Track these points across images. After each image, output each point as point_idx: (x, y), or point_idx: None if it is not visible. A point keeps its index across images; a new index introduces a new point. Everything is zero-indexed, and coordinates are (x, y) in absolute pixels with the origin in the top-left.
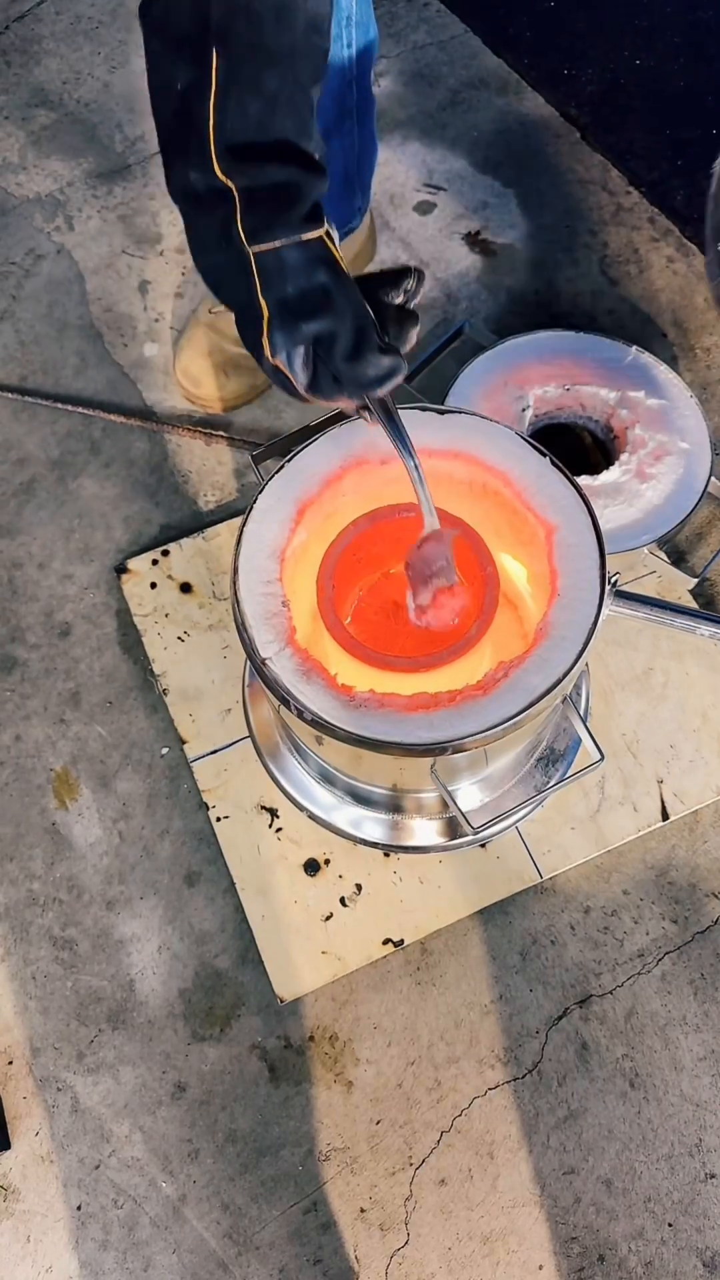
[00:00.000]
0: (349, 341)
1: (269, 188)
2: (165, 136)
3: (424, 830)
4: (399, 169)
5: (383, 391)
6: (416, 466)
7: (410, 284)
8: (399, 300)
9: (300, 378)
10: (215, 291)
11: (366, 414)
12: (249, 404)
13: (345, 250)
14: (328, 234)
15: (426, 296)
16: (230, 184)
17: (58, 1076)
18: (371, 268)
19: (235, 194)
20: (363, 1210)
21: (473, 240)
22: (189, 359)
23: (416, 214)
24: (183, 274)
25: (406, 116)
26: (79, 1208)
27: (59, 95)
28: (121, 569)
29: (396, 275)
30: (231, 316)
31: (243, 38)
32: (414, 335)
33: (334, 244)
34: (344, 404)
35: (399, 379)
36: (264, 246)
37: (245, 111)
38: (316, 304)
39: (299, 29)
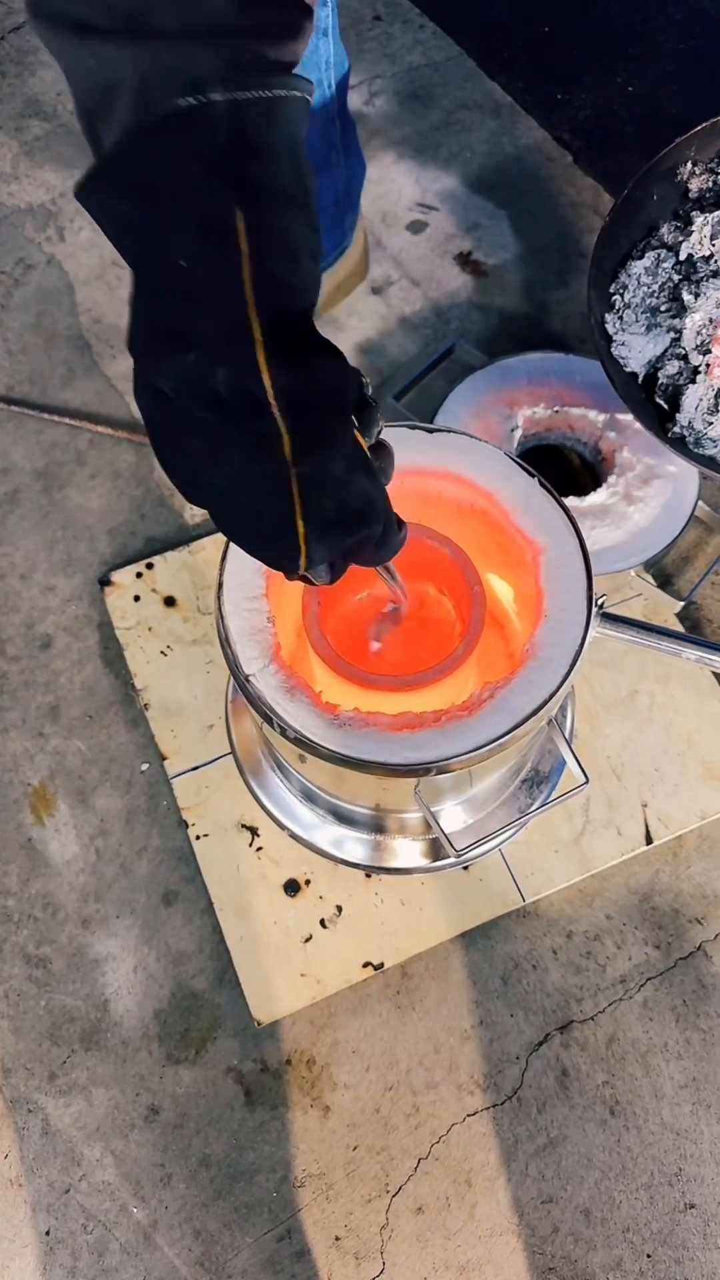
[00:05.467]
0: (379, 536)
1: (322, 392)
2: (158, 326)
3: (406, 851)
4: (392, 188)
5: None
6: (405, 595)
7: (381, 424)
8: (371, 441)
9: (325, 579)
10: (211, 507)
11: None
12: None
13: (339, 269)
14: (354, 422)
15: (417, 315)
16: (269, 384)
17: (29, 1098)
18: (360, 289)
19: (274, 399)
20: (338, 1238)
21: (464, 260)
22: None
23: (409, 233)
24: None
25: (401, 136)
26: (47, 1233)
27: (53, 106)
28: (105, 581)
29: (365, 417)
30: None
31: (264, 186)
32: (392, 471)
33: (362, 436)
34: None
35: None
36: (311, 464)
37: (277, 278)
38: (356, 513)
39: (305, 167)
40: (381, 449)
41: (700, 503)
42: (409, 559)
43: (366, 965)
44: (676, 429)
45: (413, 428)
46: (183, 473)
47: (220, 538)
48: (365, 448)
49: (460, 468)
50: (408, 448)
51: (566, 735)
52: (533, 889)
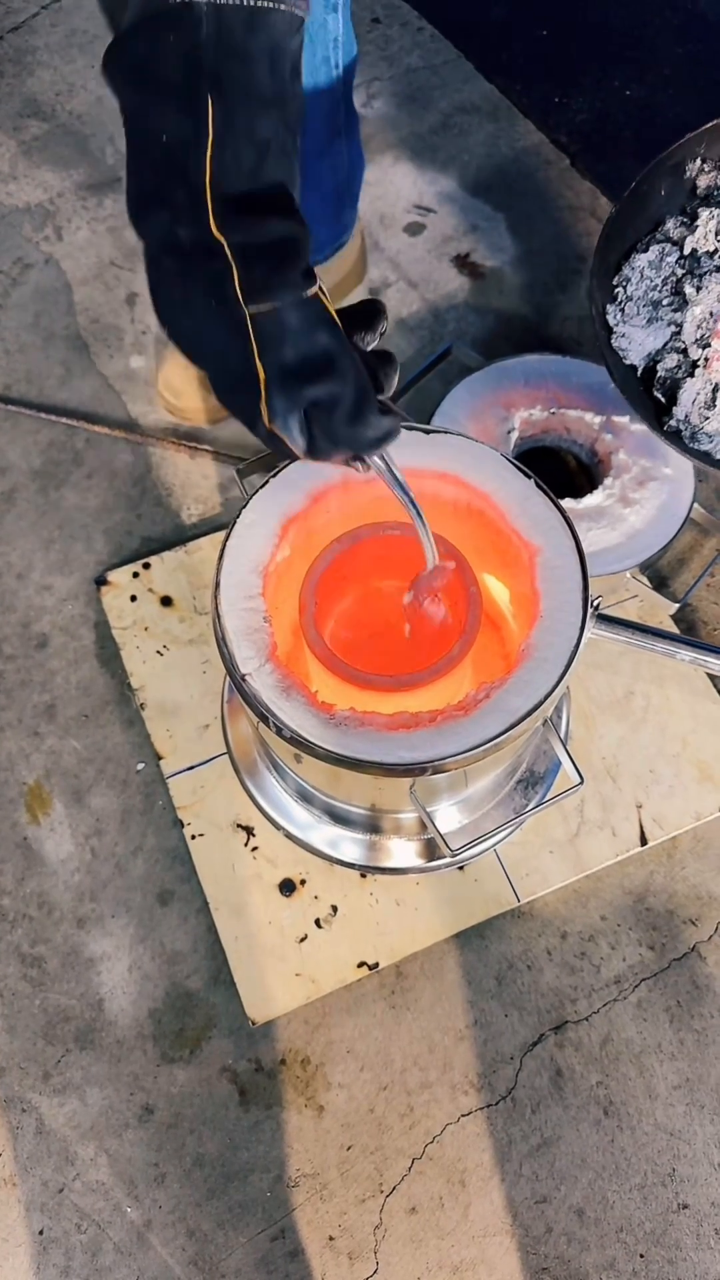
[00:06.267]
0: (350, 404)
1: (268, 244)
2: (143, 188)
3: (402, 851)
4: (390, 190)
5: (382, 449)
6: (419, 514)
7: (383, 325)
8: (373, 344)
9: (299, 442)
10: (191, 354)
11: (359, 465)
12: (231, 418)
13: (336, 268)
14: (322, 290)
15: (415, 316)
16: (223, 239)
17: (23, 1097)
18: (359, 290)
19: (228, 250)
20: (331, 1238)
21: (462, 262)
22: (171, 371)
23: (406, 235)
24: None
25: (398, 138)
26: (41, 1232)
27: (51, 106)
28: (101, 581)
29: (369, 317)
30: None
31: (238, 83)
32: (395, 379)
33: (329, 301)
34: (339, 462)
35: (398, 436)
36: (263, 307)
37: (240, 162)
38: (318, 367)
39: (287, 74)
40: (386, 357)
41: (696, 505)
42: (406, 559)
43: (361, 965)
44: (673, 422)
45: (409, 429)
46: (166, 320)
47: (217, 537)
48: (331, 311)
49: (457, 469)
50: (404, 449)
51: (562, 736)
52: (528, 889)
